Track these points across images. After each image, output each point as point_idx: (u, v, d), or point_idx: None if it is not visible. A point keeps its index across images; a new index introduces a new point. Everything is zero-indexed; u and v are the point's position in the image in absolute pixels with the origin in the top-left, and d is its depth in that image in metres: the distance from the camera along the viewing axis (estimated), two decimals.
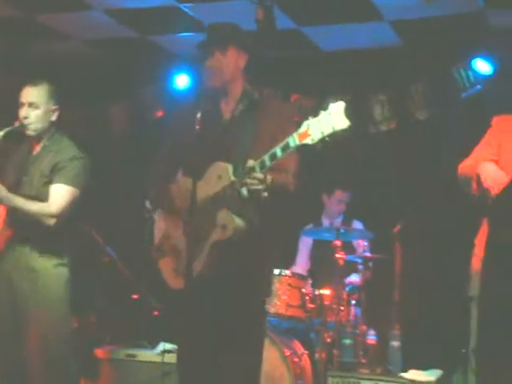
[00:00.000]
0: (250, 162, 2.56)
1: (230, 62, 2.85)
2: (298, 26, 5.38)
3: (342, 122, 2.32)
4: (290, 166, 2.75)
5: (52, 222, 3.35)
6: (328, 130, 2.33)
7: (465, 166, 3.08)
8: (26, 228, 3.38)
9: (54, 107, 3.51)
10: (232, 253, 2.68)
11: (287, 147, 2.46)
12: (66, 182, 3.41)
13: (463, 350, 3.04)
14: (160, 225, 2.94)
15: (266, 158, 2.52)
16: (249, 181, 2.55)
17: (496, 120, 3.19)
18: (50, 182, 3.41)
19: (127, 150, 5.98)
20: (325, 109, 2.36)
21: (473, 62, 5.30)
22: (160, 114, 6.11)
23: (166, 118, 5.97)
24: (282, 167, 2.68)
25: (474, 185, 2.93)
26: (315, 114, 2.37)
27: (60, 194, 3.39)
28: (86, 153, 3.56)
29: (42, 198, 3.38)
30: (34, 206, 3.35)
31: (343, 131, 2.33)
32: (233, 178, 2.63)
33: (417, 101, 5.53)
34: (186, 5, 5.11)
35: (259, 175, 2.53)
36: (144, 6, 5.17)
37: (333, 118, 2.32)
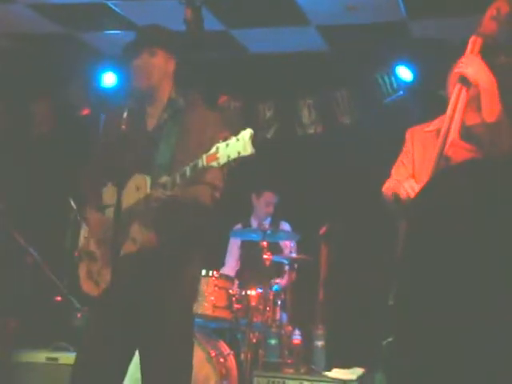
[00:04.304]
0: (163, 178, 2.62)
1: (159, 65, 2.84)
2: (226, 28, 5.40)
3: (247, 149, 2.43)
4: (214, 180, 2.81)
5: None
6: (233, 155, 2.44)
7: (386, 188, 3.17)
8: None
9: None
10: (140, 266, 2.70)
11: (196, 167, 2.54)
12: None
13: (384, 342, 3.13)
14: (84, 228, 2.91)
15: (177, 175, 2.59)
16: (158, 194, 2.61)
17: (408, 132, 3.27)
18: None
19: (52, 148, 5.84)
20: (236, 134, 2.46)
21: (395, 68, 5.47)
22: (86, 112, 6.00)
23: (92, 117, 5.86)
24: (205, 181, 2.74)
25: (393, 204, 3.02)
26: (226, 138, 2.48)
27: None
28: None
29: None
30: None
31: (248, 157, 2.44)
32: (149, 191, 2.65)
33: (342, 105, 5.65)
34: (114, 2, 5.04)
35: (167, 192, 2.60)
36: (71, 2, 5.06)
37: (239, 144, 2.43)
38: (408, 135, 3.23)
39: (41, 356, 4.30)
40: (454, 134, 2.89)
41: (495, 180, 1.21)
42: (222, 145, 2.46)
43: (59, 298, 4.92)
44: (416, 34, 5.24)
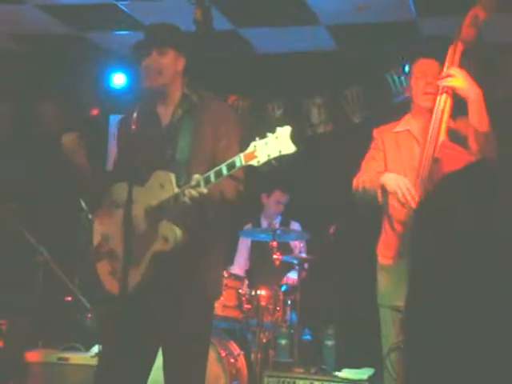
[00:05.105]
0: (196, 177, 2.54)
1: (169, 64, 2.81)
2: (235, 28, 5.40)
3: (289, 147, 2.36)
4: (239, 174, 2.76)
5: None
6: (274, 154, 2.36)
7: (364, 180, 3.16)
8: None
9: None
10: (173, 263, 2.66)
11: (233, 166, 2.46)
12: None
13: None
14: (99, 225, 2.89)
15: (212, 174, 2.52)
16: (193, 193, 2.53)
17: (376, 132, 3.29)
18: None
19: (61, 149, 5.85)
20: (272, 131, 2.38)
21: (405, 68, 5.44)
22: (95, 112, 6.02)
23: (102, 117, 5.88)
24: (233, 176, 2.68)
25: (380, 195, 3.04)
26: (262, 136, 2.39)
27: None
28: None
29: None
30: None
31: (289, 155, 2.36)
32: (176, 190, 2.60)
33: (351, 104, 5.64)
34: (123, 2, 5.05)
35: (204, 190, 2.52)
36: (80, 3, 5.07)
37: (280, 142, 2.36)
38: (376, 134, 3.29)
39: (52, 356, 4.32)
40: (443, 136, 2.97)
41: (497, 184, 1.20)
42: (259, 143, 2.38)
43: (69, 298, 4.93)
44: (426, 32, 5.22)
